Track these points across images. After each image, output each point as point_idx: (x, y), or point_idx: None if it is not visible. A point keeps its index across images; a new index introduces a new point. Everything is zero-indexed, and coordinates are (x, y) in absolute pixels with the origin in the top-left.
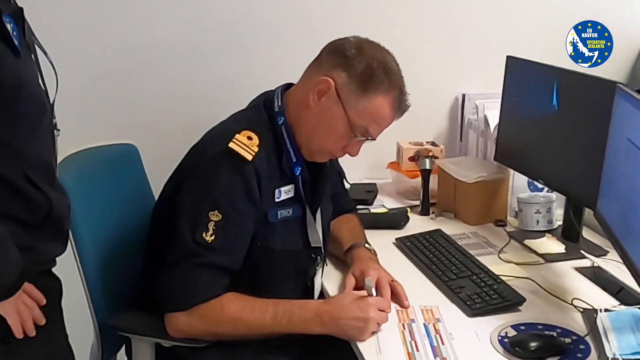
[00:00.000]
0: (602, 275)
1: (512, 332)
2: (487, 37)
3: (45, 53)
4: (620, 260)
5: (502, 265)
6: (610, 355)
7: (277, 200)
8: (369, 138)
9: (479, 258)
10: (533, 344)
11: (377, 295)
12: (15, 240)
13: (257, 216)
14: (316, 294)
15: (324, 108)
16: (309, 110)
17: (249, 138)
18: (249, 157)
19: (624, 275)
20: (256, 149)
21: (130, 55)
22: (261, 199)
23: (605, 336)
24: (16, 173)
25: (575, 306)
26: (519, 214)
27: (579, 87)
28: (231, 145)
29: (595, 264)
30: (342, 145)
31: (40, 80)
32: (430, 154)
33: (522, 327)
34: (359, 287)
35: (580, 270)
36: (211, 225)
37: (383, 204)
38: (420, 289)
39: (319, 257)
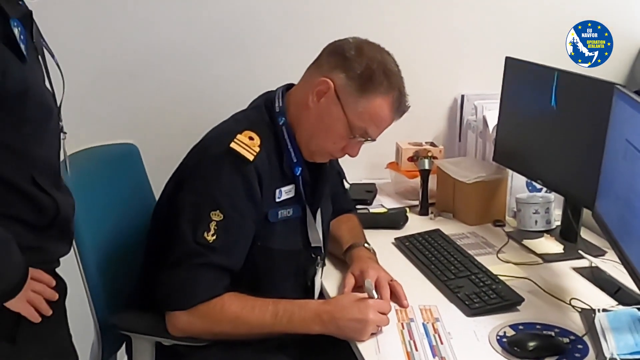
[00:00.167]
0: (600, 276)
1: (510, 332)
2: (486, 38)
3: (52, 56)
4: (618, 261)
5: (500, 265)
6: (608, 355)
7: (277, 200)
8: (369, 139)
9: (477, 258)
10: (531, 344)
11: (377, 296)
12: (22, 241)
13: (258, 216)
14: (316, 293)
15: (323, 109)
16: (309, 111)
17: (251, 138)
18: (251, 158)
19: (621, 276)
20: (257, 149)
21: (131, 56)
22: (262, 199)
23: (603, 336)
24: (23, 177)
25: (573, 306)
26: (517, 214)
27: (578, 88)
28: (232, 145)
29: (593, 264)
30: (341, 146)
31: (47, 83)
32: (429, 154)
33: (521, 327)
34: (358, 286)
35: (578, 270)
36: (212, 225)
37: (382, 204)
38: (419, 288)
39: (319, 257)
